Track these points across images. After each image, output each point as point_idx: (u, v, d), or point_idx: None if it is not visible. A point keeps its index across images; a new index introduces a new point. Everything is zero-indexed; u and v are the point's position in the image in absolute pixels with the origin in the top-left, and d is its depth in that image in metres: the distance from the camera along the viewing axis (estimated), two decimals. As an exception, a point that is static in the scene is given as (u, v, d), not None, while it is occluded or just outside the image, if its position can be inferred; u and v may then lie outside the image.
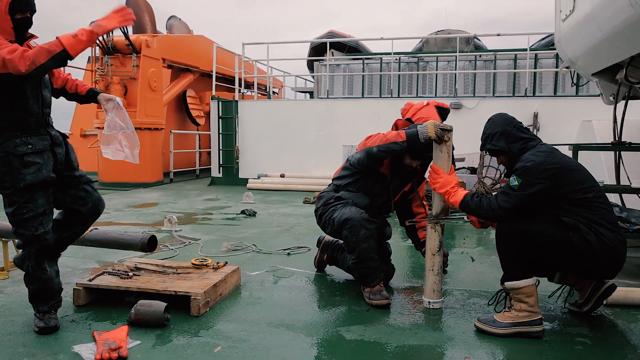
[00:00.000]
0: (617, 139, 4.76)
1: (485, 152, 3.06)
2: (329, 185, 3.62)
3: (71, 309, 3.02)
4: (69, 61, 2.49)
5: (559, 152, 2.80)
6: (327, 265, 3.95)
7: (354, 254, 3.20)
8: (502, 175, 7.97)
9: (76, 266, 4.04)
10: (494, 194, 2.98)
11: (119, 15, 2.57)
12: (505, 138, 2.89)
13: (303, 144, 10.57)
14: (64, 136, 2.83)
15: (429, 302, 3.12)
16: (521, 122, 3.00)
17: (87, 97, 2.98)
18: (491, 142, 2.94)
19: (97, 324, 2.80)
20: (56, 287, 2.79)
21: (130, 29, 11.01)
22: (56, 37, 2.44)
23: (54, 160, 2.69)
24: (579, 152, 4.41)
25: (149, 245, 3.53)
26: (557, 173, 2.67)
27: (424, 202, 3.70)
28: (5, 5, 2.47)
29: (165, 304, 2.77)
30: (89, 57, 11.07)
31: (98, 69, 10.39)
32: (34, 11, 2.59)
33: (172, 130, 12.04)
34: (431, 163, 3.19)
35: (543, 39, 13.05)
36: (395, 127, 3.51)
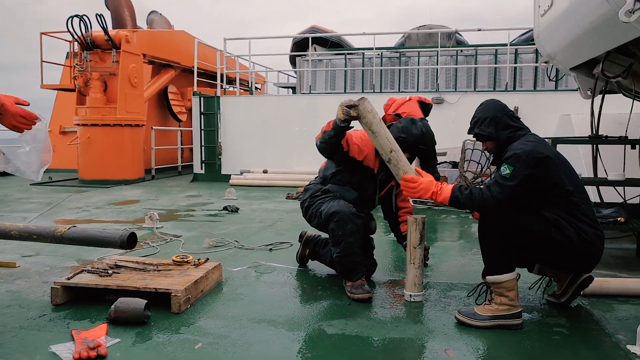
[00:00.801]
0: (594, 132, 4.83)
1: (473, 137, 3.04)
2: (316, 178, 3.62)
3: (49, 308, 2.97)
4: None
5: (547, 143, 2.82)
6: (310, 260, 3.96)
7: (338, 247, 3.20)
8: (484, 169, 8.00)
9: (55, 265, 3.98)
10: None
11: (21, 119, 2.30)
12: (495, 124, 2.87)
13: (286, 140, 10.55)
14: None
15: (410, 296, 3.14)
16: (513, 111, 3.00)
17: None
18: (480, 126, 2.91)
19: (76, 323, 2.76)
20: None
21: (109, 24, 10.87)
22: None
23: None
24: (558, 145, 4.46)
25: (129, 242, 3.46)
26: (546, 162, 2.67)
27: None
28: None
29: (146, 301, 2.74)
30: (68, 52, 10.89)
31: (77, 64, 10.21)
32: None
33: (154, 127, 11.92)
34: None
35: (523, 34, 13.19)
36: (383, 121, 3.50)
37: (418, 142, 3.28)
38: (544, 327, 2.75)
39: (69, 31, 9.89)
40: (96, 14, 9.85)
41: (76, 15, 9.82)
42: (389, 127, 3.37)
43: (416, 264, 3.12)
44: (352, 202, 3.30)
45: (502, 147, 2.89)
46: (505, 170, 2.69)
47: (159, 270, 3.32)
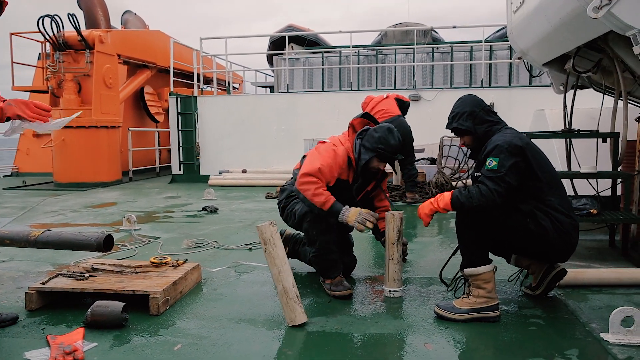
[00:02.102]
0: (567, 126, 4.93)
1: (451, 131, 3.08)
2: (292, 178, 3.61)
3: (23, 314, 2.91)
4: None
5: (523, 135, 2.88)
6: (289, 259, 3.94)
7: (314, 246, 3.22)
8: (462, 165, 8.07)
9: (29, 270, 3.90)
10: (456, 183, 3.02)
11: (37, 111, 2.38)
12: (473, 119, 2.92)
13: (264, 139, 10.52)
14: None
15: (390, 291, 3.16)
16: (489, 106, 3.04)
17: None
18: (458, 121, 2.96)
19: (51, 328, 2.71)
20: None
21: (82, 24, 10.67)
22: None
23: None
24: (533, 139, 4.54)
25: (105, 244, 3.41)
26: (525, 151, 2.73)
27: (387, 195, 3.72)
28: None
29: (123, 303, 2.71)
30: (40, 53, 10.66)
31: (49, 65, 10.01)
32: None
33: (130, 128, 11.75)
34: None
35: (498, 30, 13.37)
36: (352, 127, 3.47)
37: (395, 152, 3.27)
38: (521, 319, 2.80)
39: (40, 31, 9.68)
40: (68, 14, 9.66)
41: (47, 15, 9.62)
42: (362, 132, 3.36)
43: (395, 260, 3.14)
44: None
45: (479, 142, 2.94)
46: (491, 163, 2.72)
47: (137, 273, 3.28)
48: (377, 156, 3.25)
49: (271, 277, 3.63)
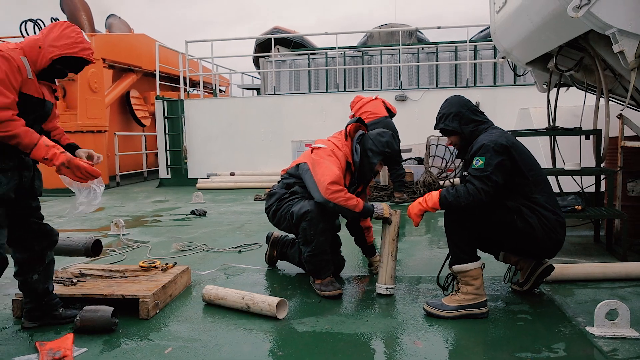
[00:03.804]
0: (551, 124, 5.00)
1: (439, 132, 3.14)
2: (279, 182, 3.62)
3: (11, 321, 2.89)
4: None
5: (509, 134, 2.92)
6: (278, 261, 3.96)
7: (309, 246, 3.21)
8: (449, 164, 8.12)
9: (16, 276, 3.86)
10: (444, 182, 3.06)
11: (85, 174, 2.58)
12: (459, 119, 2.97)
13: (252, 141, 10.51)
14: (35, 162, 2.69)
15: (387, 288, 3.19)
16: (476, 106, 3.09)
17: (66, 148, 2.79)
18: (445, 121, 3.01)
19: (40, 335, 2.69)
20: None
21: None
22: (39, 138, 2.45)
23: (18, 182, 2.57)
24: (518, 137, 4.59)
25: (94, 249, 3.43)
26: (510, 149, 2.77)
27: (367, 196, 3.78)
28: (58, 54, 2.51)
29: (113, 308, 2.70)
30: (23, 58, 10.54)
31: (33, 70, 9.91)
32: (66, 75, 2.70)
33: (117, 132, 11.67)
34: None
35: (482, 31, 13.50)
36: (347, 133, 3.51)
37: (398, 155, 3.40)
38: (509, 315, 2.84)
39: (22, 36, 9.58)
40: (51, 18, 9.58)
41: (30, 20, 9.53)
42: (360, 137, 3.44)
43: (393, 257, 3.22)
44: None
45: (466, 141, 2.99)
46: (478, 162, 2.77)
47: (126, 277, 3.27)
48: (382, 159, 3.40)
49: (261, 278, 3.66)
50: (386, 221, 3.26)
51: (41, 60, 2.52)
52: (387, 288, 3.19)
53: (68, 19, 12.55)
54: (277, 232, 3.93)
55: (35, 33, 9.57)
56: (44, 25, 9.60)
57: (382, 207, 3.27)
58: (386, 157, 3.41)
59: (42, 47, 2.52)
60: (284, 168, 3.66)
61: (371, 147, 3.37)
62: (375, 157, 3.36)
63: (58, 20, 9.63)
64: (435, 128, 3.12)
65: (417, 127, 8.74)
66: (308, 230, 3.19)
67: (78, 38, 2.57)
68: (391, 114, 7.03)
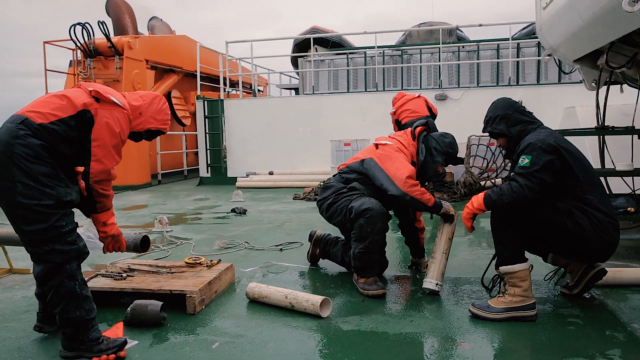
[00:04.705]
0: (600, 123, 4.84)
1: (488, 135, 3.13)
2: (334, 176, 3.62)
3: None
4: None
5: (559, 134, 2.86)
6: (320, 259, 3.97)
7: (363, 243, 3.21)
8: (490, 164, 7.97)
9: (68, 270, 4.00)
10: (485, 183, 3.02)
11: (117, 248, 2.80)
12: (506, 121, 2.96)
13: (290, 141, 10.57)
14: None
15: (437, 284, 3.17)
16: (524, 106, 3.05)
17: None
18: (492, 125, 3.02)
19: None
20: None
21: (111, 31, 10.90)
22: (110, 207, 2.68)
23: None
24: (564, 137, 4.47)
25: (142, 245, 3.50)
26: (560, 149, 2.72)
27: None
28: (156, 127, 2.75)
29: (161, 302, 2.77)
30: (71, 60, 10.94)
31: (80, 72, 10.28)
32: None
33: (158, 132, 11.94)
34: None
35: (524, 28, 13.17)
36: (413, 134, 3.55)
37: (457, 153, 3.56)
38: (559, 318, 2.76)
39: (72, 39, 9.94)
40: (98, 21, 9.92)
41: (79, 23, 9.88)
42: (424, 137, 3.53)
43: (447, 254, 3.26)
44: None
45: (514, 142, 2.95)
46: (524, 160, 2.72)
47: (172, 273, 3.34)
48: (445, 159, 3.50)
49: (304, 276, 3.68)
50: (449, 219, 3.31)
51: (138, 125, 2.67)
52: (436, 284, 3.18)
53: (113, 21, 12.94)
54: (320, 231, 3.94)
55: (83, 36, 9.91)
56: (92, 29, 9.93)
57: (449, 205, 3.35)
58: (449, 157, 3.48)
59: (142, 114, 2.67)
60: (340, 164, 3.70)
61: (435, 147, 3.46)
62: (439, 156, 3.45)
63: (104, 23, 9.97)
64: (483, 132, 3.12)
65: (457, 127, 8.54)
66: (365, 227, 3.19)
67: (169, 115, 2.78)
68: (433, 114, 6.95)
